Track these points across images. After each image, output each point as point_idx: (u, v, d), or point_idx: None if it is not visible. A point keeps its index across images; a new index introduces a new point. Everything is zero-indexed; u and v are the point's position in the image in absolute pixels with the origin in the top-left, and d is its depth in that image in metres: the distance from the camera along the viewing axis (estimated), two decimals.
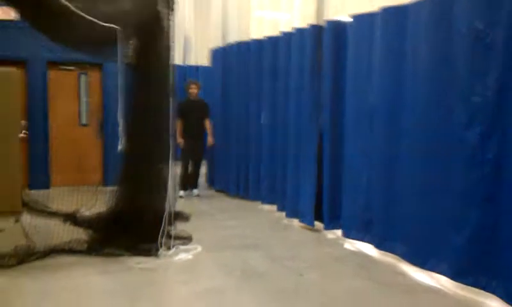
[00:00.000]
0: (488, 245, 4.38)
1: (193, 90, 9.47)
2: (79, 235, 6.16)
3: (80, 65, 9.99)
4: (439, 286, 4.79)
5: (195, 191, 9.61)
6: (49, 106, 9.88)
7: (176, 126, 8.59)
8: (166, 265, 5.44)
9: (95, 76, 10.26)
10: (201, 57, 14.74)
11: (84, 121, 10.33)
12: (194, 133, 9.32)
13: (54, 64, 9.85)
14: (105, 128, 10.14)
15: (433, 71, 5.03)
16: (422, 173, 5.17)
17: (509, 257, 4.16)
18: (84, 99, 10.29)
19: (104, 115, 10.20)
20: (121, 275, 5.10)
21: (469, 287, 4.57)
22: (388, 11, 5.68)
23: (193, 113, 9.31)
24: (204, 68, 14.42)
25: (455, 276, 4.70)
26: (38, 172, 9.73)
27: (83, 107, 10.30)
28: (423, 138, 5.15)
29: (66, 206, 7.38)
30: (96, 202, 7.20)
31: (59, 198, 8.45)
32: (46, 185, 9.80)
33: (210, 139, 9.66)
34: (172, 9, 6.12)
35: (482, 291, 4.46)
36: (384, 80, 5.77)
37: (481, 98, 4.45)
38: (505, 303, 4.19)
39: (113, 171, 9.58)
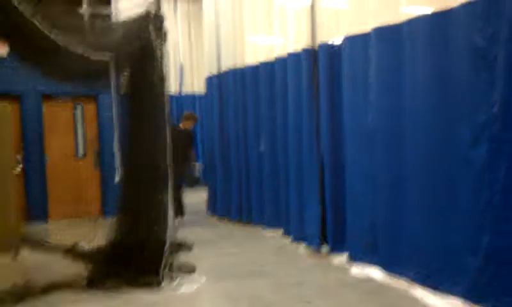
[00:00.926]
0: (505, 263, 4.23)
1: (189, 123, 9.45)
2: (79, 269, 6.02)
3: (75, 97, 9.94)
4: None
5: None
6: (45, 139, 9.80)
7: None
8: (169, 299, 5.27)
9: (90, 107, 10.21)
10: (197, 86, 14.76)
11: (80, 153, 10.22)
12: (177, 160, 9.17)
13: (49, 97, 9.80)
14: (102, 159, 10.07)
15: (433, 90, 4.97)
16: (428, 193, 5.07)
17: None
18: (80, 131, 10.19)
19: (101, 146, 10.12)
20: None
21: None
22: (382, 31, 5.62)
23: (178, 141, 9.18)
24: (201, 97, 14.47)
25: (472, 298, 4.52)
26: (36, 206, 9.63)
27: (79, 139, 10.20)
28: (427, 158, 5.07)
29: (65, 239, 7.27)
30: (96, 235, 7.10)
31: (58, 232, 8.36)
32: (44, 218, 9.69)
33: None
34: (164, 39, 6.08)
35: None
36: (382, 100, 5.70)
37: (486, 116, 4.35)
38: None
39: (112, 201, 9.50)
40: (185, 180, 9.72)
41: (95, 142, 10.21)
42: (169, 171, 5.79)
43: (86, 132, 10.27)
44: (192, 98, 14.69)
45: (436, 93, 4.92)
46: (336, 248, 6.60)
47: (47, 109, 9.87)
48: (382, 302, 4.98)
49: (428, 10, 4.99)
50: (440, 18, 4.84)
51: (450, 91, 4.75)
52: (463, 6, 4.57)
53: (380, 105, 5.72)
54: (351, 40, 6.14)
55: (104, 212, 10.07)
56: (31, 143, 9.61)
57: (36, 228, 8.67)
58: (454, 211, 4.70)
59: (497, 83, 4.27)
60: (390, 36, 5.52)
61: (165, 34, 5.97)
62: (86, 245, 7.13)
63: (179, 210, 9.48)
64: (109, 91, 7.96)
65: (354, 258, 6.20)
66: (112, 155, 9.61)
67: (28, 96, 9.60)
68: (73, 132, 10.19)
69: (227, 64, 9.38)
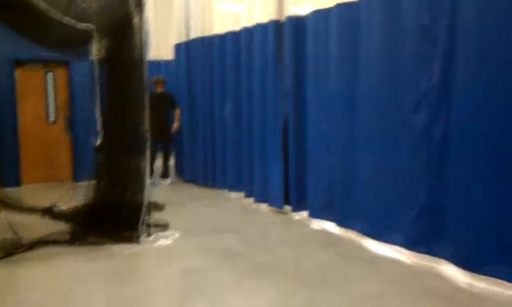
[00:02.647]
0: (437, 215, 4.97)
1: (159, 88, 9.95)
2: (60, 227, 6.40)
3: (47, 63, 10.15)
4: (398, 257, 5.32)
5: (168, 181, 10.13)
6: (17, 104, 10.01)
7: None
8: (148, 250, 5.82)
9: (61, 74, 10.43)
10: (163, 52, 15.00)
11: (52, 118, 10.51)
12: (162, 124, 9.80)
13: (21, 63, 9.97)
14: (73, 124, 10.38)
15: (384, 62, 5.56)
16: (376, 154, 5.73)
17: (456, 225, 4.75)
18: (51, 97, 10.45)
19: (72, 112, 10.42)
20: (107, 261, 5.45)
21: (424, 255, 5.12)
22: (342, 7, 6.16)
23: (162, 105, 9.81)
24: (166, 63, 14.72)
25: (410, 246, 5.27)
26: (9, 170, 9.85)
27: (51, 105, 10.47)
28: (376, 123, 5.70)
29: (41, 202, 7.65)
30: (71, 196, 7.51)
31: (33, 195, 8.71)
32: (17, 182, 9.97)
33: (175, 125, 10.27)
34: (142, 7, 6.44)
35: (435, 258, 5.01)
36: (340, 70, 6.27)
37: (427, 85, 5.01)
38: (455, 266, 4.75)
39: (82, 166, 9.86)
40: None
41: (66, 108, 10.48)
42: (147, 136, 6.23)
43: (57, 97, 10.51)
44: (158, 65, 14.91)
45: (387, 65, 5.53)
46: (298, 207, 7.25)
47: (20, 74, 10.05)
48: (336, 250, 5.70)
49: None
50: None
51: (399, 63, 5.36)
52: None
53: (338, 74, 6.29)
54: (315, 14, 6.66)
55: (75, 177, 10.42)
56: (3, 108, 9.79)
57: (11, 191, 8.98)
58: (397, 169, 5.39)
59: (437, 57, 4.91)
60: (349, 12, 6.06)
61: (144, 3, 6.32)
62: (63, 205, 7.55)
63: (166, 172, 10.21)
64: (83, 58, 8.27)
65: (313, 215, 6.89)
66: (83, 120, 10.01)
67: (0, 62, 9.75)
68: (44, 98, 10.41)
69: (196, 32, 9.73)
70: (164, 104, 10.00)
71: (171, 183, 10.21)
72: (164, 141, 10.15)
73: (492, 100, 4.38)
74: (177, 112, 10.28)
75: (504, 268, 4.33)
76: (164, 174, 10.26)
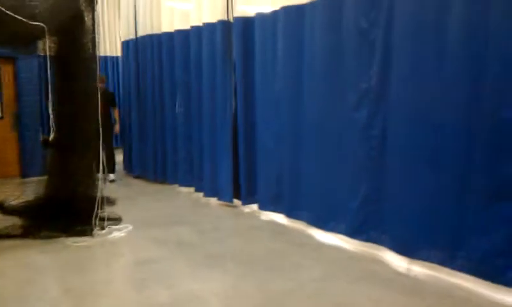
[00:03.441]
0: (376, 205, 5.36)
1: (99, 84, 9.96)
2: (11, 222, 6.47)
3: None
4: (341, 244, 5.71)
5: (111, 176, 10.15)
6: None
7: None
8: (101, 242, 5.97)
9: (8, 70, 10.30)
10: (109, 48, 15.01)
11: None
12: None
13: None
14: (21, 121, 10.28)
15: (327, 63, 5.88)
16: (321, 149, 6.05)
17: (393, 214, 5.14)
18: None
19: (19, 108, 10.31)
20: (62, 253, 5.58)
21: (366, 242, 5.50)
22: (288, 10, 6.45)
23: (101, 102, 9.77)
24: (112, 59, 14.76)
25: (352, 234, 5.65)
26: None
27: None
28: (321, 120, 6.02)
29: None
30: (21, 192, 7.53)
31: None
32: None
33: (117, 126, 10.36)
34: (94, 6, 6.56)
35: (376, 245, 5.40)
36: (286, 71, 6.55)
37: (366, 85, 5.38)
38: (394, 252, 5.13)
39: (31, 163, 9.83)
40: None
41: (12, 104, 10.34)
42: (99, 132, 6.35)
43: (3, 94, 10.36)
44: (104, 60, 14.89)
45: (330, 65, 5.85)
46: (247, 201, 7.51)
47: None
48: (284, 239, 6.05)
49: None
50: (335, 2, 5.74)
51: (341, 64, 5.69)
52: None
53: (285, 74, 6.58)
54: (262, 15, 6.92)
55: (23, 173, 10.33)
56: None
57: None
58: (340, 163, 5.75)
59: (375, 60, 5.28)
60: (294, 15, 6.35)
61: (95, 2, 6.44)
62: (13, 201, 7.55)
63: (111, 167, 10.16)
64: (32, 55, 8.26)
65: (263, 207, 7.19)
66: (30, 116, 9.97)
67: None
68: None
69: (144, 29, 9.84)
70: (103, 101, 9.96)
71: (113, 180, 10.17)
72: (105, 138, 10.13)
73: (421, 101, 4.75)
74: (116, 112, 10.37)
75: (436, 253, 4.72)
76: (110, 170, 10.23)
